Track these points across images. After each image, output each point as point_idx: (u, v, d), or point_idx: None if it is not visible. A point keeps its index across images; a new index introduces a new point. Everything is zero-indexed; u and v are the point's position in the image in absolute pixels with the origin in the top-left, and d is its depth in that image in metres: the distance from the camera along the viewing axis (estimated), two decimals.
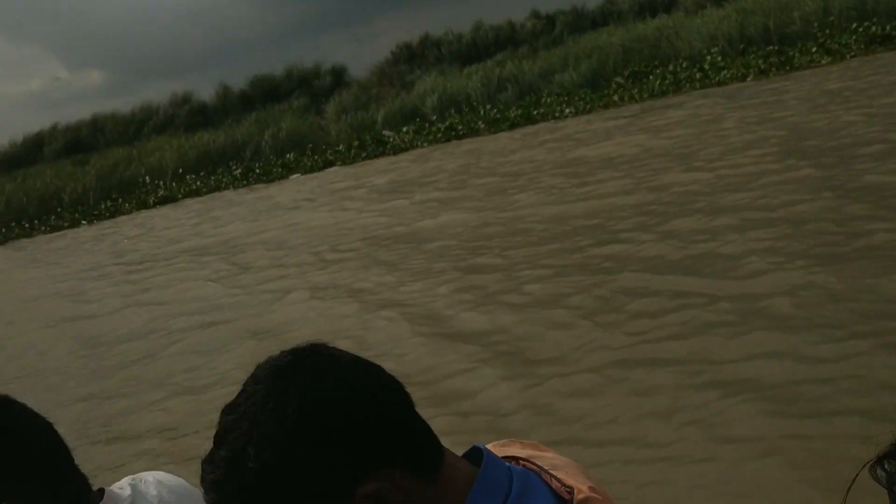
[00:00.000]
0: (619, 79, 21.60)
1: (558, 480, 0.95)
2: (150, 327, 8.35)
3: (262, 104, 31.16)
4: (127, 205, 24.06)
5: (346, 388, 0.86)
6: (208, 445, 0.86)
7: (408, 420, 0.89)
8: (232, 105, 31.56)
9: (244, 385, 0.89)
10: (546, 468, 0.97)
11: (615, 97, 19.95)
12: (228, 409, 0.88)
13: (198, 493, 1.24)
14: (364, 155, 22.41)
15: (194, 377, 6.36)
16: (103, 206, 24.64)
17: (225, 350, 6.83)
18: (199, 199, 22.39)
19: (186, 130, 30.34)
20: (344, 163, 22.31)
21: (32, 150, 32.02)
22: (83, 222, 23.51)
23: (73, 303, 10.78)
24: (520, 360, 5.10)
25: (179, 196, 23.54)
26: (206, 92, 33.58)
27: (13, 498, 1.12)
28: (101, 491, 1.22)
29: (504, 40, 29.18)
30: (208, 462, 0.87)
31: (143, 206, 23.60)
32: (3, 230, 24.71)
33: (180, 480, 1.28)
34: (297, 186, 19.55)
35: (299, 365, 0.87)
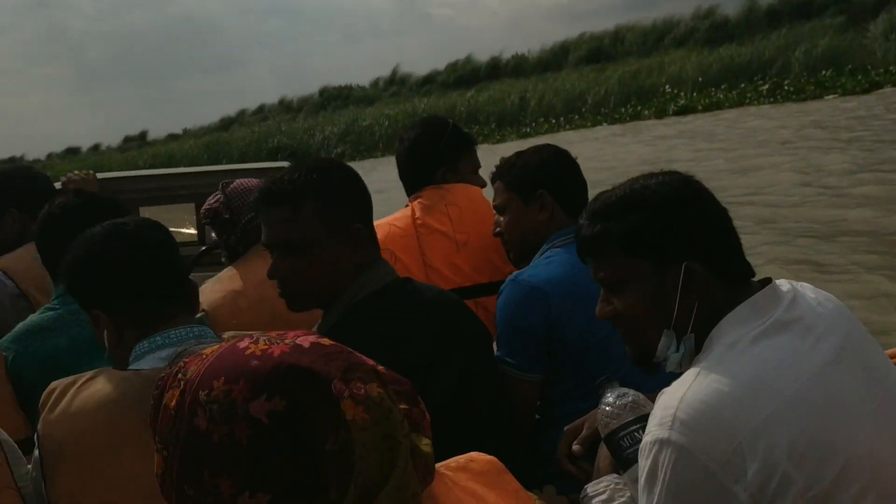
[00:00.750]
0: None
1: None
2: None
3: (789, 20, 29.17)
4: (646, 111, 24.88)
5: None
6: None
7: None
8: (757, 20, 30.12)
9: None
10: None
11: None
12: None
13: (844, 310, 1.28)
14: None
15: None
16: (623, 111, 25.90)
17: None
18: (721, 111, 22.03)
19: (706, 44, 29.95)
20: (894, 84, 19.83)
21: (559, 57, 34.94)
22: (603, 123, 25.04)
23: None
24: None
25: (699, 108, 23.46)
26: (730, 6, 32.55)
27: (695, 258, 1.26)
28: (769, 279, 1.31)
29: None
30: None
31: (662, 113, 24.09)
32: (534, 124, 27.71)
33: (830, 295, 1.31)
34: (845, 104, 17.97)
35: None
